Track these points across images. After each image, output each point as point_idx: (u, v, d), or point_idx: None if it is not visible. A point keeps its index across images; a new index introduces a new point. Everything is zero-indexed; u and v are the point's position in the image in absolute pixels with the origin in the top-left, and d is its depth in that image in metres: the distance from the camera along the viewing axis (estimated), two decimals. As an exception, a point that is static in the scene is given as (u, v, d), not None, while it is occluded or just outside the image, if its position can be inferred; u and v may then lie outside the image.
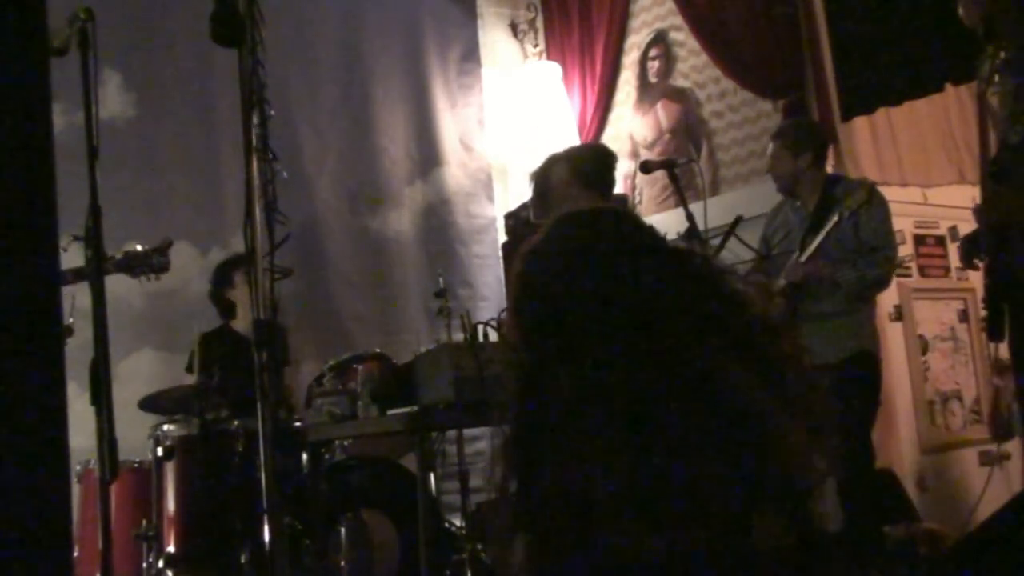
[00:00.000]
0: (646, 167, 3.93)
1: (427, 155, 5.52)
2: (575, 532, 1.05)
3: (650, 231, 1.25)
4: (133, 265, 3.04)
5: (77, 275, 2.57)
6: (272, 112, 2.47)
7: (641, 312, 1.12)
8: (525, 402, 1.18)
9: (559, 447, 1.10)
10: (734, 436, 1.05)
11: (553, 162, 3.92)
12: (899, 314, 4.86)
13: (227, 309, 4.18)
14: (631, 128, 5.49)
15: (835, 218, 3.61)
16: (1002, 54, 2.86)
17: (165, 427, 3.30)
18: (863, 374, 3.64)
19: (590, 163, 3.91)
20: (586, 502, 1.05)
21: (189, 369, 4.07)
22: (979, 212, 3.02)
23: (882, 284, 3.80)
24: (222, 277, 4.21)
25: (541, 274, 1.22)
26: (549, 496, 1.09)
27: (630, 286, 1.15)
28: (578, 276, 1.17)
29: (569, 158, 4.03)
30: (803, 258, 3.68)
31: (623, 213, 1.31)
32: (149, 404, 3.61)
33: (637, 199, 5.40)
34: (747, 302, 1.20)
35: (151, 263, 3.09)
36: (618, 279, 1.16)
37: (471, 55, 5.82)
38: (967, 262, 3.20)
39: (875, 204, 3.72)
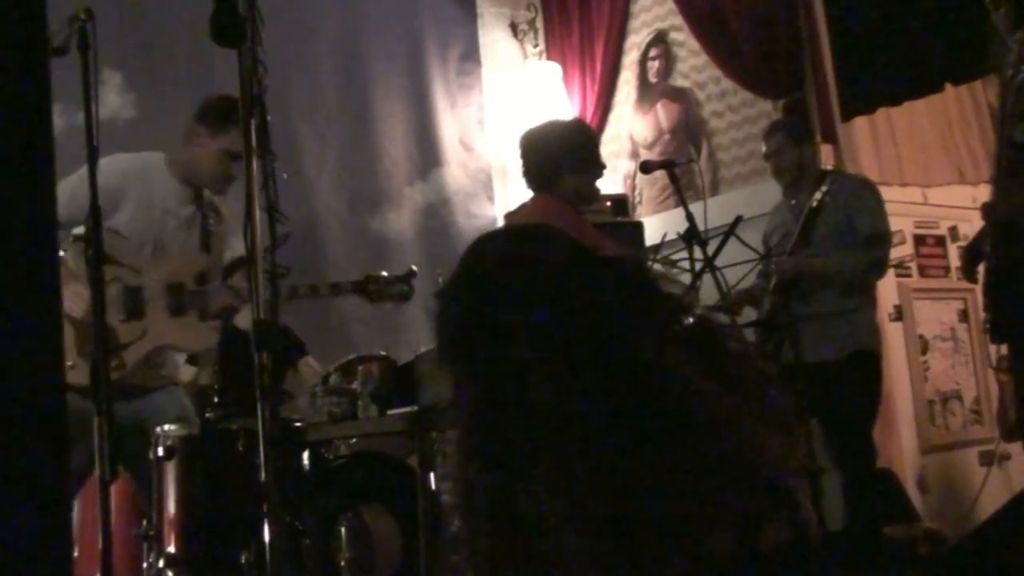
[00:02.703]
0: (646, 167, 3.92)
1: (427, 155, 5.51)
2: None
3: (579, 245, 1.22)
4: (371, 290, 2.98)
5: (313, 290, 2.53)
6: (269, 117, 2.47)
7: (599, 331, 1.10)
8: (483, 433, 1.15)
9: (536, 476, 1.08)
10: (710, 448, 1.04)
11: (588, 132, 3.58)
12: (899, 314, 4.86)
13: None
14: (631, 128, 5.48)
15: (810, 205, 3.60)
16: None
17: (165, 427, 3.30)
18: (862, 373, 3.62)
19: None
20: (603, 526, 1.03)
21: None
22: (987, 208, 2.99)
23: (877, 267, 3.73)
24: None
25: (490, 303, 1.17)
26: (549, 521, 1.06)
27: (582, 305, 1.12)
28: (528, 302, 1.14)
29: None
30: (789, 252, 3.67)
31: (548, 228, 1.27)
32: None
33: (637, 199, 5.40)
34: (688, 306, 1.19)
35: (391, 292, 3.03)
36: (569, 300, 1.12)
37: (471, 55, 5.81)
38: (968, 273, 3.17)
39: (867, 193, 3.72)
